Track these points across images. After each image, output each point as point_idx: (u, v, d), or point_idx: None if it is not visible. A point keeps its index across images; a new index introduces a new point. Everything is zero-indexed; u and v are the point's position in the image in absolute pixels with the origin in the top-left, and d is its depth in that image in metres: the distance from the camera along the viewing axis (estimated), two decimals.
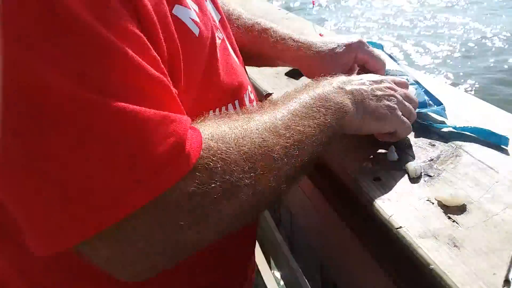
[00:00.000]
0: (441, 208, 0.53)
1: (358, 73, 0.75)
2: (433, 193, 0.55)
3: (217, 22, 0.63)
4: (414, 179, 0.59)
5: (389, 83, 0.64)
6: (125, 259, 0.39)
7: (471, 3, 7.10)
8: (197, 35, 0.50)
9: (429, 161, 0.62)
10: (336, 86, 0.58)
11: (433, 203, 0.54)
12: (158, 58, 0.40)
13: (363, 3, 7.90)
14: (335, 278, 0.75)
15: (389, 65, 0.86)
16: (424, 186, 0.57)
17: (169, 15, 0.45)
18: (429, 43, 5.74)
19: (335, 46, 0.73)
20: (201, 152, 0.40)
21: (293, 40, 0.77)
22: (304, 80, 0.97)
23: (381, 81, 0.64)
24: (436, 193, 0.55)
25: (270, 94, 0.93)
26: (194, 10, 0.52)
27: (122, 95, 0.35)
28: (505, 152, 0.61)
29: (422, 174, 0.59)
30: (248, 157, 0.43)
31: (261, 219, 1.28)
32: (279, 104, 0.54)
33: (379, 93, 0.61)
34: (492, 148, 0.62)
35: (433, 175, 0.59)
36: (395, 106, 0.61)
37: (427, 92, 0.76)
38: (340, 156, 0.66)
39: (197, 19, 0.51)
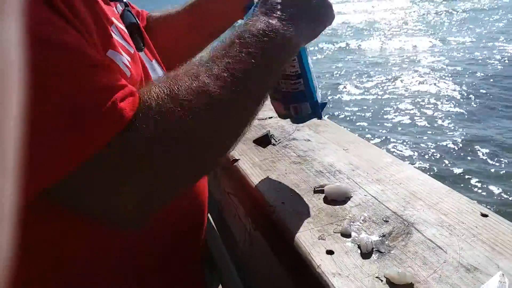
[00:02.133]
0: (389, 286, 0.53)
1: None
2: (383, 270, 0.55)
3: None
4: (366, 254, 0.59)
5: None
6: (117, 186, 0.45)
7: None
8: (128, 76, 0.55)
9: (381, 236, 0.63)
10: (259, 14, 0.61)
11: (382, 281, 0.54)
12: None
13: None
14: None
15: None
16: (375, 262, 0.57)
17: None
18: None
19: None
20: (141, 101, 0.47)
21: None
22: (270, 148, 0.99)
23: None
24: (385, 270, 0.55)
25: (237, 160, 0.95)
26: (126, 58, 0.57)
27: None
28: (453, 232, 0.62)
29: (374, 249, 0.60)
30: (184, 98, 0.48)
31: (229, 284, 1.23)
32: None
33: None
34: (443, 227, 0.64)
35: (384, 251, 0.59)
36: None
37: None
38: (296, 227, 0.67)
39: (129, 65, 0.57)
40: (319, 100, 0.81)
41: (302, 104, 0.80)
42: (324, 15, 0.69)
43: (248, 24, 0.59)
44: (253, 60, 0.54)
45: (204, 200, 0.82)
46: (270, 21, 0.60)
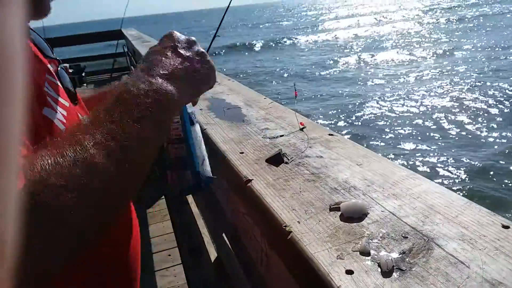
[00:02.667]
0: None
1: None
2: None
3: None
4: (386, 273, 0.58)
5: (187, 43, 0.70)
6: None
7: None
8: (63, 130, 0.57)
9: (401, 253, 0.61)
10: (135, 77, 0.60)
11: None
12: None
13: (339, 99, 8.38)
14: None
15: None
16: (396, 281, 0.56)
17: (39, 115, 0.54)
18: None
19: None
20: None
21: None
22: (282, 166, 0.99)
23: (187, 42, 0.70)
24: None
25: (250, 180, 0.95)
26: (62, 113, 0.59)
27: None
28: (475, 246, 0.61)
29: (394, 267, 0.58)
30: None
31: None
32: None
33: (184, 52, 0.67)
34: (464, 241, 0.63)
35: (405, 269, 0.58)
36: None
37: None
38: (313, 247, 0.66)
39: (64, 119, 0.58)
40: (204, 173, 0.77)
41: (183, 171, 0.76)
42: (207, 77, 0.70)
43: (129, 83, 0.58)
44: (135, 124, 0.53)
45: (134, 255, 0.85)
46: (151, 79, 0.59)
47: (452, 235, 0.64)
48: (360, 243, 0.65)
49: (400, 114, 6.60)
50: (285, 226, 0.74)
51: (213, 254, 2.20)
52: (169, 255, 2.50)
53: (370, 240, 0.66)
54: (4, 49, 0.13)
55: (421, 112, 6.72)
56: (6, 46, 0.13)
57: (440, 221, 0.68)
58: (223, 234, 1.78)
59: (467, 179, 4.46)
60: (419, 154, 5.10)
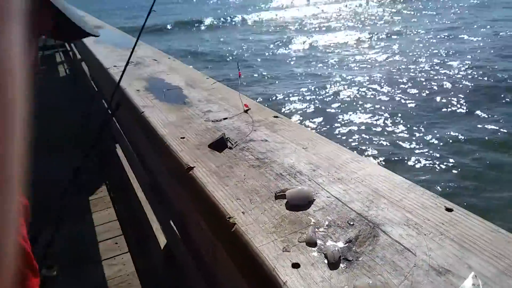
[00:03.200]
0: None
1: None
2: (352, 281, 0.52)
3: None
4: (333, 264, 0.55)
5: None
6: None
7: None
8: None
9: (347, 242, 0.59)
10: None
11: None
12: None
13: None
14: None
15: None
16: (343, 273, 0.54)
17: None
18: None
19: None
20: None
21: None
22: (226, 151, 0.94)
23: None
24: (355, 281, 0.51)
25: (192, 167, 0.89)
26: None
27: None
28: (420, 231, 0.60)
29: (341, 258, 0.56)
30: None
31: None
32: None
33: None
34: (409, 226, 0.62)
35: (352, 259, 0.56)
36: None
37: None
38: (258, 239, 0.62)
39: None
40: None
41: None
42: None
43: None
44: None
45: None
46: None
47: (397, 220, 0.63)
48: (306, 233, 0.62)
49: (350, 97, 6.77)
50: (229, 217, 0.69)
51: (162, 241, 2.12)
52: (116, 243, 2.38)
53: (316, 229, 0.63)
54: None
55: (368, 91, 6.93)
56: None
57: (385, 206, 0.67)
58: (171, 222, 1.71)
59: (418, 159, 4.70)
60: (368, 137, 5.28)
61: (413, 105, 6.25)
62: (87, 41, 2.84)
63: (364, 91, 6.98)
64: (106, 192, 2.88)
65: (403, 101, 6.41)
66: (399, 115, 5.86)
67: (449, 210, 0.63)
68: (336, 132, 5.49)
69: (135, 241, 2.41)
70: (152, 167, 1.47)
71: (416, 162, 4.60)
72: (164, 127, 1.11)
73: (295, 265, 0.56)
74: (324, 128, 5.73)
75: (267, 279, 0.56)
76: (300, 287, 0.52)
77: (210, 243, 0.91)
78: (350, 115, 6.02)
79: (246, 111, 1.18)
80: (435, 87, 6.85)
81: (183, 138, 1.04)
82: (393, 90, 6.90)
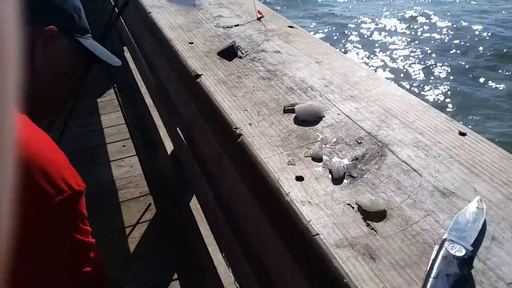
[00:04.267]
0: (360, 213, 0.50)
1: None
2: (354, 196, 0.52)
3: None
4: (337, 180, 0.55)
5: None
6: None
7: None
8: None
9: (353, 160, 0.59)
10: None
11: (353, 208, 0.51)
12: None
13: None
14: (269, 268, 0.72)
15: None
16: (346, 188, 0.54)
17: None
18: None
19: None
20: None
21: None
22: (236, 61, 0.90)
23: None
24: (358, 196, 0.52)
25: (200, 75, 0.86)
26: None
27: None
28: (430, 153, 0.59)
29: (346, 174, 0.56)
30: None
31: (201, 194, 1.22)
32: None
33: None
34: (418, 148, 0.60)
35: (356, 176, 0.56)
36: None
37: None
38: (264, 151, 0.62)
39: None
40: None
41: None
42: None
43: None
44: None
45: None
46: None
47: (407, 141, 0.62)
48: (313, 148, 0.61)
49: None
50: (235, 128, 0.68)
51: (169, 147, 2.17)
52: (124, 145, 2.45)
53: (323, 145, 0.62)
54: None
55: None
56: None
57: (396, 126, 0.65)
58: (178, 129, 1.73)
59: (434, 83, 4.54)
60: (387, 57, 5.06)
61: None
62: None
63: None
64: (114, 96, 2.88)
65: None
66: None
67: (462, 134, 0.61)
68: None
69: (143, 145, 2.47)
70: (159, 72, 1.44)
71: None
72: (172, 30, 1.06)
73: (299, 178, 0.56)
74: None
75: (271, 190, 0.57)
76: (302, 198, 0.53)
77: (215, 153, 0.92)
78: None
79: (259, 19, 1.11)
80: None
81: (192, 43, 0.99)
82: None
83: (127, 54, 3.13)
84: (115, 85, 2.99)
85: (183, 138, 1.66)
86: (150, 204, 2.04)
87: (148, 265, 1.74)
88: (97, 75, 3.02)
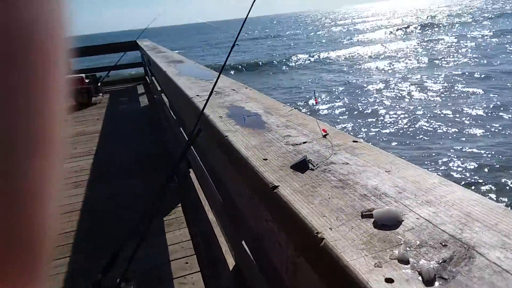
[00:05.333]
0: None
1: None
2: None
3: None
4: (429, 282, 0.56)
5: None
6: None
7: None
8: None
9: (442, 262, 0.59)
10: None
11: None
12: None
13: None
14: None
15: None
16: None
17: None
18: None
19: None
20: None
21: None
22: (308, 173, 0.97)
23: None
24: None
25: (277, 186, 0.93)
26: None
27: None
28: None
29: (436, 276, 0.56)
30: None
31: None
32: None
33: None
34: (506, 249, 0.60)
35: (448, 278, 0.56)
36: None
37: None
38: (348, 255, 0.64)
39: None
40: None
41: None
42: None
43: None
44: None
45: None
46: None
47: (494, 243, 0.62)
48: (398, 250, 0.63)
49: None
50: (317, 233, 0.72)
51: (231, 263, 2.17)
52: (186, 262, 2.48)
53: (407, 248, 0.64)
54: None
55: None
56: None
57: (479, 229, 0.66)
58: (243, 242, 1.76)
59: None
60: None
61: None
62: (169, 73, 3.09)
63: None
64: (180, 213, 3.03)
65: None
66: None
67: None
68: None
69: (206, 260, 2.49)
70: (230, 190, 1.54)
71: None
72: (247, 149, 1.18)
73: (389, 280, 0.57)
74: None
75: None
76: None
77: (288, 260, 0.94)
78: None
79: (324, 136, 1.22)
80: None
81: (266, 159, 1.10)
82: None
83: (192, 175, 3.38)
84: (180, 204, 3.17)
85: (248, 251, 1.69)
86: None
87: None
88: (165, 195, 3.22)
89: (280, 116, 1.51)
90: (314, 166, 1.01)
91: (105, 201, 3.36)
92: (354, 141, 1.15)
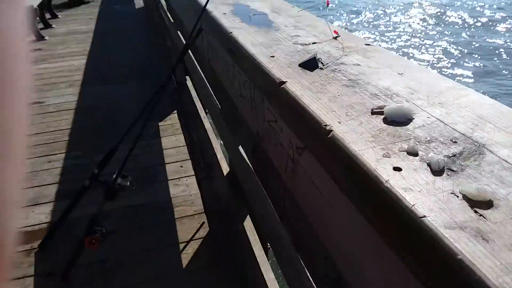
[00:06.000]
0: (466, 201, 0.50)
1: None
2: (457, 186, 0.52)
3: None
4: (437, 172, 0.56)
5: None
6: None
7: None
8: None
9: (451, 156, 0.59)
10: None
11: (457, 197, 0.51)
12: None
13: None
14: (343, 271, 0.72)
15: None
16: (448, 180, 0.54)
17: None
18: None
19: None
20: None
21: None
22: (317, 71, 0.94)
23: None
24: (461, 187, 0.52)
25: (284, 82, 0.90)
26: None
27: None
28: None
29: (445, 168, 0.56)
30: None
31: (261, 211, 1.25)
32: None
33: None
34: None
35: (457, 170, 0.56)
36: None
37: None
38: (357, 146, 0.63)
39: None
40: None
41: None
42: None
43: None
44: None
45: None
46: None
47: (505, 143, 0.61)
48: (407, 144, 0.62)
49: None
50: (325, 125, 0.71)
51: (225, 169, 2.23)
52: (181, 166, 2.54)
53: (417, 143, 0.63)
54: None
55: None
56: None
57: (491, 129, 0.65)
58: (239, 147, 1.78)
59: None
60: None
61: None
62: None
63: None
64: (176, 120, 3.03)
65: None
66: None
67: None
68: None
69: (201, 165, 2.55)
70: (230, 93, 1.51)
71: None
72: (253, 46, 1.13)
73: (397, 169, 0.57)
74: None
75: (368, 180, 0.58)
76: (403, 185, 0.53)
77: (288, 159, 0.94)
78: None
79: (335, 38, 1.16)
80: None
81: (273, 56, 1.05)
82: None
83: (189, 83, 3.31)
84: (175, 110, 3.15)
85: (244, 155, 1.71)
86: (203, 222, 2.08)
87: (199, 280, 1.75)
88: (162, 101, 3.19)
89: (288, 16, 1.43)
90: (323, 65, 0.97)
91: (100, 101, 3.33)
92: (366, 44, 1.10)
